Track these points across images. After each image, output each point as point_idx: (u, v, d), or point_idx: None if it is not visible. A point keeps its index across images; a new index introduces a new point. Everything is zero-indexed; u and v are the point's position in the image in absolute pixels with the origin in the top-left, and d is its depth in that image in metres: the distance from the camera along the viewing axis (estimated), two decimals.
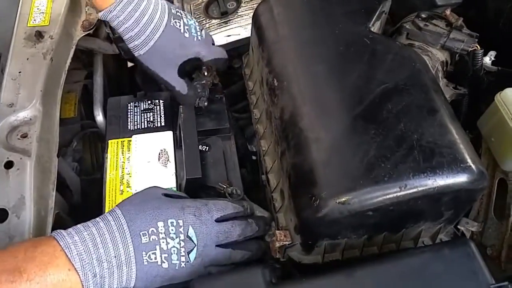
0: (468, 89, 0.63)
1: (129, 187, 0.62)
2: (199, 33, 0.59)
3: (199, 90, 0.70)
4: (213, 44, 0.63)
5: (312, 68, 0.55)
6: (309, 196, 0.46)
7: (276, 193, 0.57)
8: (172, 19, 0.55)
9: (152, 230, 0.44)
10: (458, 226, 0.53)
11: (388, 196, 0.44)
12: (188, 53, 0.58)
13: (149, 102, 0.72)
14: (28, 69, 0.61)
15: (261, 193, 0.68)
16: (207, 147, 0.66)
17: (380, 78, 0.52)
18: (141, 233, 0.44)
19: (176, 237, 0.45)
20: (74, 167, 0.71)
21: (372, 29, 0.59)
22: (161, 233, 0.45)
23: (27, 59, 0.62)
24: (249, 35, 0.81)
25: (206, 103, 0.70)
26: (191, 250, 0.46)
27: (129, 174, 0.63)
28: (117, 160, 0.64)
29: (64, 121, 0.66)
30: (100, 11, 0.53)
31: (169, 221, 0.46)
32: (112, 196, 0.61)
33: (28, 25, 0.65)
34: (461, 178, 0.45)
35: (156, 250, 0.44)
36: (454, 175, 0.45)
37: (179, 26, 0.55)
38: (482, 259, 0.44)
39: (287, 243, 0.51)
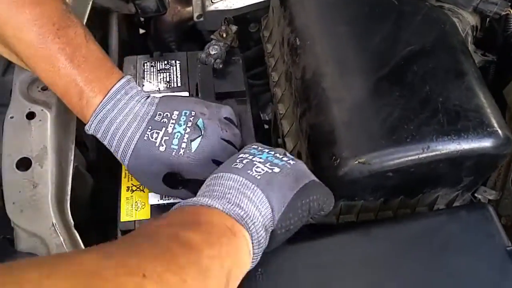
0: (497, 56, 0.61)
1: None
2: (184, 144, 0.47)
3: (215, 52, 0.69)
4: (214, 161, 0.49)
5: (337, 28, 0.54)
6: (329, 155, 0.46)
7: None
8: (148, 130, 0.47)
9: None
10: (476, 194, 0.53)
11: (409, 158, 0.44)
12: (165, 168, 0.48)
13: (166, 62, 0.71)
14: None
15: None
16: None
17: (406, 40, 0.51)
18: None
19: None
20: None
21: None
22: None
23: None
24: None
25: (221, 65, 0.69)
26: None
27: None
28: None
29: None
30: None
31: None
32: None
33: None
34: (486, 143, 0.44)
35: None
36: (479, 139, 0.44)
37: (155, 138, 0.47)
38: (500, 223, 0.44)
39: None
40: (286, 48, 0.58)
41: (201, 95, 0.65)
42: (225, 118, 0.53)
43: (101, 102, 0.47)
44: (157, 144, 0.47)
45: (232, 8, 0.82)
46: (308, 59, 0.53)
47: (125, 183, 0.60)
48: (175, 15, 0.90)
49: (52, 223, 0.48)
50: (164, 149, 0.47)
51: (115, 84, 0.48)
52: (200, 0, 0.86)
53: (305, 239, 0.47)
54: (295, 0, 0.59)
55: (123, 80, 0.49)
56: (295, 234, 0.49)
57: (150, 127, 0.47)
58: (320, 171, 0.47)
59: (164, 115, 0.48)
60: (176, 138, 0.47)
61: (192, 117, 0.48)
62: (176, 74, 0.70)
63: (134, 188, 0.60)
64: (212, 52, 0.69)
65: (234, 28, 0.72)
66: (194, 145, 0.47)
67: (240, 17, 0.82)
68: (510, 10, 0.57)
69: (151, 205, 0.58)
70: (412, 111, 0.46)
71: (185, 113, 0.49)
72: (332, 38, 0.53)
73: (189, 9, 0.91)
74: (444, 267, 0.42)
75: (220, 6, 0.82)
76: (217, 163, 0.47)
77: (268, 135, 0.74)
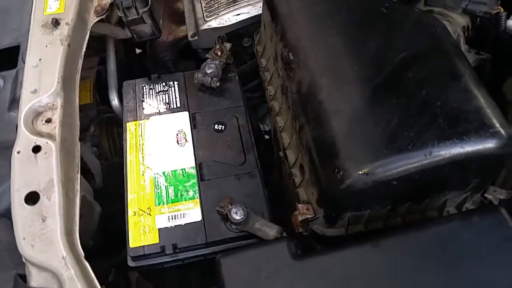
0: (491, 54, 0.60)
1: (149, 168, 0.62)
2: None
3: (211, 70, 0.70)
4: None
5: (329, 39, 0.54)
6: (332, 168, 0.45)
7: (295, 169, 0.57)
8: None
9: None
10: (486, 195, 0.52)
11: (412, 165, 0.44)
12: None
13: (164, 84, 0.72)
14: (47, 56, 0.62)
15: (275, 172, 0.68)
16: (223, 126, 0.66)
17: (399, 47, 0.51)
18: None
19: None
20: (93, 151, 0.72)
21: None
22: None
23: (46, 46, 0.62)
24: (259, 13, 0.80)
25: (218, 83, 0.70)
26: None
27: (149, 155, 0.63)
28: (136, 142, 0.65)
29: (81, 107, 0.66)
30: None
31: None
32: (133, 177, 0.62)
33: (45, 13, 0.66)
34: (490, 144, 0.44)
35: None
36: (482, 141, 0.43)
37: None
38: None
39: (309, 216, 0.51)
40: (280, 62, 0.58)
41: (201, 115, 0.66)
42: None
43: None
44: None
45: (225, 25, 0.83)
46: (303, 73, 0.53)
47: (131, 207, 0.60)
48: (170, 34, 0.91)
49: (63, 256, 0.48)
50: None
51: None
52: (193, 19, 0.87)
53: (315, 254, 0.47)
54: (286, 15, 0.59)
55: None
56: (303, 248, 0.49)
57: None
58: (324, 184, 0.47)
59: None
60: None
61: None
62: (175, 95, 0.71)
63: (140, 212, 0.60)
64: (209, 71, 0.70)
65: (228, 45, 0.73)
66: None
67: (234, 33, 0.83)
68: (500, 8, 0.57)
69: (158, 228, 0.58)
70: (411, 117, 0.45)
71: None
72: (325, 50, 0.54)
73: (183, 27, 0.93)
74: (461, 276, 0.41)
75: (213, 24, 0.84)
76: None
77: (268, 145, 0.73)
